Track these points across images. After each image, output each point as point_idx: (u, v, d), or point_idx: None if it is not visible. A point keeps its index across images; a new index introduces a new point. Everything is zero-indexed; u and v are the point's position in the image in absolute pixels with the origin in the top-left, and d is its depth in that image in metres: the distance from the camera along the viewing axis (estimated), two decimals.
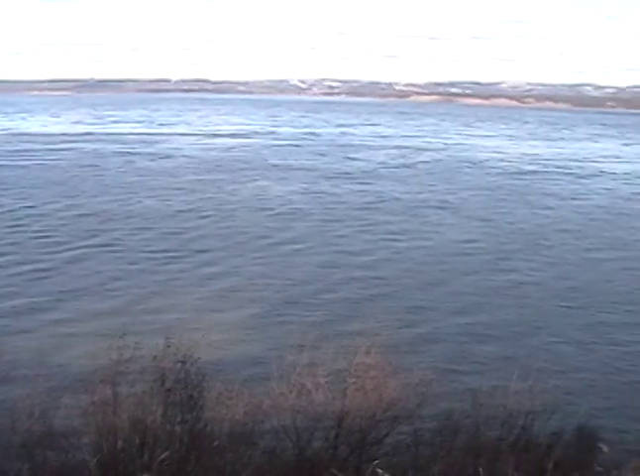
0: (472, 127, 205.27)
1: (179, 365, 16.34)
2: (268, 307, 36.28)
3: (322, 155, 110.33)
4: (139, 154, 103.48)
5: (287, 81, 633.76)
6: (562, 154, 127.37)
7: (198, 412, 16.57)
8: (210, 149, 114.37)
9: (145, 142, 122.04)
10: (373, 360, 18.63)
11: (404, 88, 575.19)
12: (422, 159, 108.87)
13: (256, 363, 26.92)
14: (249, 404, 17.46)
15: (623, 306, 38.42)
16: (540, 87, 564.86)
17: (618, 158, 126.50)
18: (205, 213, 60.56)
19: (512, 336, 33.10)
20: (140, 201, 65.15)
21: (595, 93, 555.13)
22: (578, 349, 31.85)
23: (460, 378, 26.24)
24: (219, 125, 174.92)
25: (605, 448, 18.17)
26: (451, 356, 30.14)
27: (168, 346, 16.68)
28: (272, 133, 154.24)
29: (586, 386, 27.63)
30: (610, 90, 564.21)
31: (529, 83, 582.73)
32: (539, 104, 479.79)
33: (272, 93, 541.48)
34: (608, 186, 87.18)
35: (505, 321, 35.33)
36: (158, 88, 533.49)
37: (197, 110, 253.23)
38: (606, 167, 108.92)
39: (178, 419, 16.43)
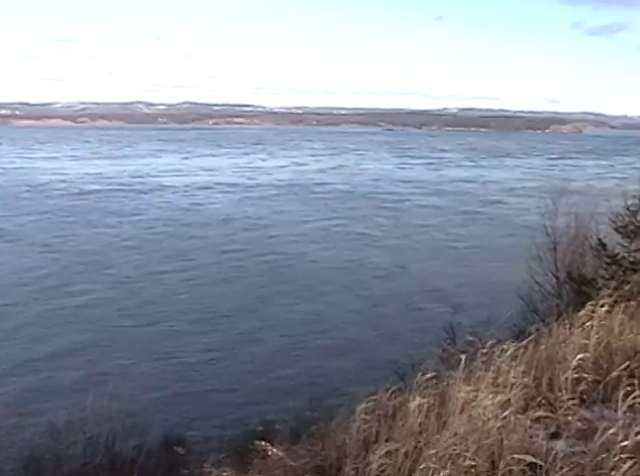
0: (31, 149, 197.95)
1: None
2: None
3: None
4: None
5: None
6: (125, 171, 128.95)
7: None
8: None
9: None
10: None
11: None
12: None
13: None
14: None
15: (189, 315, 39.57)
16: (93, 106, 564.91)
17: (179, 171, 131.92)
18: None
19: (84, 362, 32.05)
20: None
21: (147, 110, 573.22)
22: (149, 366, 32.08)
23: (41, 411, 24.83)
24: None
25: (181, 450, 19.52)
26: (25, 392, 28.33)
27: None
28: None
29: (162, 399, 27.94)
30: (161, 107, 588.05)
31: (82, 103, 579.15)
32: (94, 123, 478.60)
33: None
34: (169, 200, 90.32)
35: (74, 346, 34.19)
36: None
37: None
38: (168, 180, 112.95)
39: None
